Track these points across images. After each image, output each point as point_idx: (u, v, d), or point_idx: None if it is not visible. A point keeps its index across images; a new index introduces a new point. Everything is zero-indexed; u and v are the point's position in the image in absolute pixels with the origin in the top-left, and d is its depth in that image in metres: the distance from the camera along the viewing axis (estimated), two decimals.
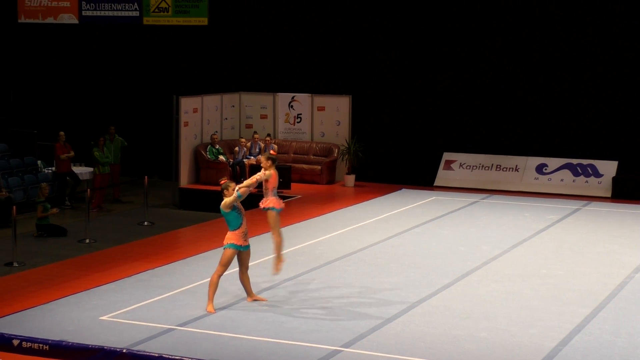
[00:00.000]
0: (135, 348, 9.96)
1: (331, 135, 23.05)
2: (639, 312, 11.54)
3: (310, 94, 23.33)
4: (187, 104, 21.88)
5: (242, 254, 11.39)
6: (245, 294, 11.87)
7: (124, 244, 15.87)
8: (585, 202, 19.77)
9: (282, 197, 20.16)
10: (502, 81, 22.15)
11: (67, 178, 21.40)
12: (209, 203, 20.94)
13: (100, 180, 21.25)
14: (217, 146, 22.08)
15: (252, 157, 22.07)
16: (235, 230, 11.26)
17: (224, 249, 11.30)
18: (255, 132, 22.83)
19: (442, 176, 22.15)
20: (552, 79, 21.75)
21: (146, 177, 19.61)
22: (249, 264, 11.62)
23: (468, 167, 22.12)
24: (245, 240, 11.31)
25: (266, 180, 11.92)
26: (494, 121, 22.23)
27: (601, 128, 21.38)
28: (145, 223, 18.94)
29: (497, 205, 19.18)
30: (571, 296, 12.28)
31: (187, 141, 21.90)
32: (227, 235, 11.33)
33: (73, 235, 17.56)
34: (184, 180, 21.76)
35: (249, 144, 22.31)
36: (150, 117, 25.23)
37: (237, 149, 22.15)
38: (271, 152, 12.51)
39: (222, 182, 11.45)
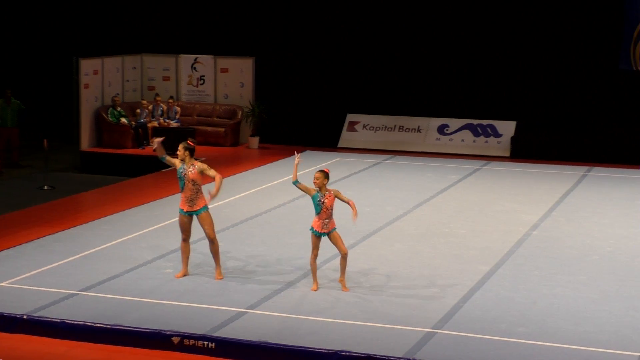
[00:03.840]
0: (37, 314, 9.81)
1: (235, 97, 22.92)
2: (536, 269, 11.88)
3: (213, 56, 23.11)
4: (87, 66, 21.44)
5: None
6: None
7: (23, 209, 15.52)
8: (485, 161, 20.17)
9: None
10: (404, 43, 22.33)
11: None
12: (112, 166, 20.70)
13: None
14: (119, 108, 21.74)
15: (154, 120, 21.80)
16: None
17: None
18: (157, 94, 22.54)
19: (346, 137, 22.30)
20: (452, 41, 22.03)
21: (45, 140, 19.19)
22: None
23: (371, 128, 22.30)
24: None
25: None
26: (397, 83, 22.43)
27: (500, 89, 21.80)
28: (46, 187, 18.58)
29: (400, 166, 19.42)
30: (472, 254, 12.55)
31: (88, 104, 21.49)
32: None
33: None
34: (85, 144, 21.37)
35: (150, 107, 22.02)
36: (49, 79, 24.63)
37: (138, 111, 21.85)
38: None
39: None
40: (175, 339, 9.24)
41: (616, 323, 9.84)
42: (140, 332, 9.35)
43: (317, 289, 10.82)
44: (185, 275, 11.28)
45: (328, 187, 10.73)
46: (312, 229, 10.76)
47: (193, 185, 11.11)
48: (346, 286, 10.84)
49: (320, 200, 10.65)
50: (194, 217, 11.20)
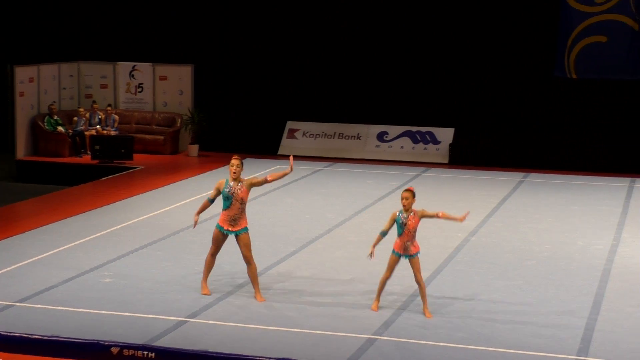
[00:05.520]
0: None
1: (174, 104, 22.79)
2: (475, 274, 12.01)
3: (151, 63, 22.96)
4: (23, 73, 21.15)
5: None
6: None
7: None
8: (424, 168, 20.35)
9: (125, 169, 19.93)
10: (343, 51, 22.42)
11: None
12: (49, 175, 20.42)
13: None
14: (56, 117, 21.48)
15: (91, 128, 21.57)
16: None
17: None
18: (94, 102, 22.30)
19: (286, 145, 22.31)
20: (391, 49, 22.18)
21: None
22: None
23: (311, 136, 22.35)
24: None
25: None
26: (336, 90, 22.51)
27: (438, 97, 22.01)
28: None
29: (341, 173, 19.49)
30: None
31: (24, 112, 21.20)
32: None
33: None
34: (21, 152, 21.08)
35: (87, 115, 21.79)
36: None
37: (76, 119, 21.61)
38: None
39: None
40: (115, 350, 9.14)
41: (553, 327, 10.00)
42: (78, 343, 9.23)
43: (377, 309, 10.42)
44: (207, 294, 10.85)
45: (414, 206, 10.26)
46: (393, 250, 10.34)
47: (240, 204, 10.59)
48: (429, 313, 10.29)
49: (402, 222, 10.19)
50: (230, 236, 10.72)
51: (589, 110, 21.26)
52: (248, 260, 10.71)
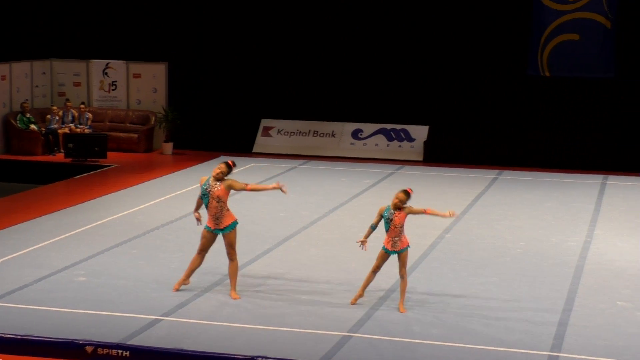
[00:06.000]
0: None
1: (148, 102, 22.71)
2: (449, 271, 12.07)
3: (125, 61, 22.86)
4: None
5: None
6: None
7: None
8: (398, 166, 20.40)
9: (99, 167, 19.83)
10: (318, 48, 22.43)
11: None
12: (22, 173, 20.28)
13: None
14: (28, 115, 21.34)
15: (64, 126, 21.45)
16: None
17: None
18: (67, 100, 22.18)
19: (261, 142, 22.29)
20: (365, 46, 22.22)
21: None
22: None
23: (286, 134, 22.34)
24: None
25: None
26: (311, 88, 22.52)
27: (413, 94, 22.07)
28: None
29: (315, 171, 19.50)
30: None
31: None
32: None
33: None
34: None
35: (61, 113, 21.66)
36: None
37: (49, 117, 21.48)
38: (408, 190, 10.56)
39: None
40: (89, 349, 9.10)
41: (526, 323, 10.06)
42: (52, 342, 9.18)
43: (355, 302, 10.54)
44: (183, 284, 10.94)
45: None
46: (383, 246, 10.45)
47: (217, 202, 10.56)
48: (404, 308, 10.36)
49: (388, 218, 10.32)
50: (219, 235, 10.74)
51: (562, 107, 21.40)
52: (230, 257, 10.78)
